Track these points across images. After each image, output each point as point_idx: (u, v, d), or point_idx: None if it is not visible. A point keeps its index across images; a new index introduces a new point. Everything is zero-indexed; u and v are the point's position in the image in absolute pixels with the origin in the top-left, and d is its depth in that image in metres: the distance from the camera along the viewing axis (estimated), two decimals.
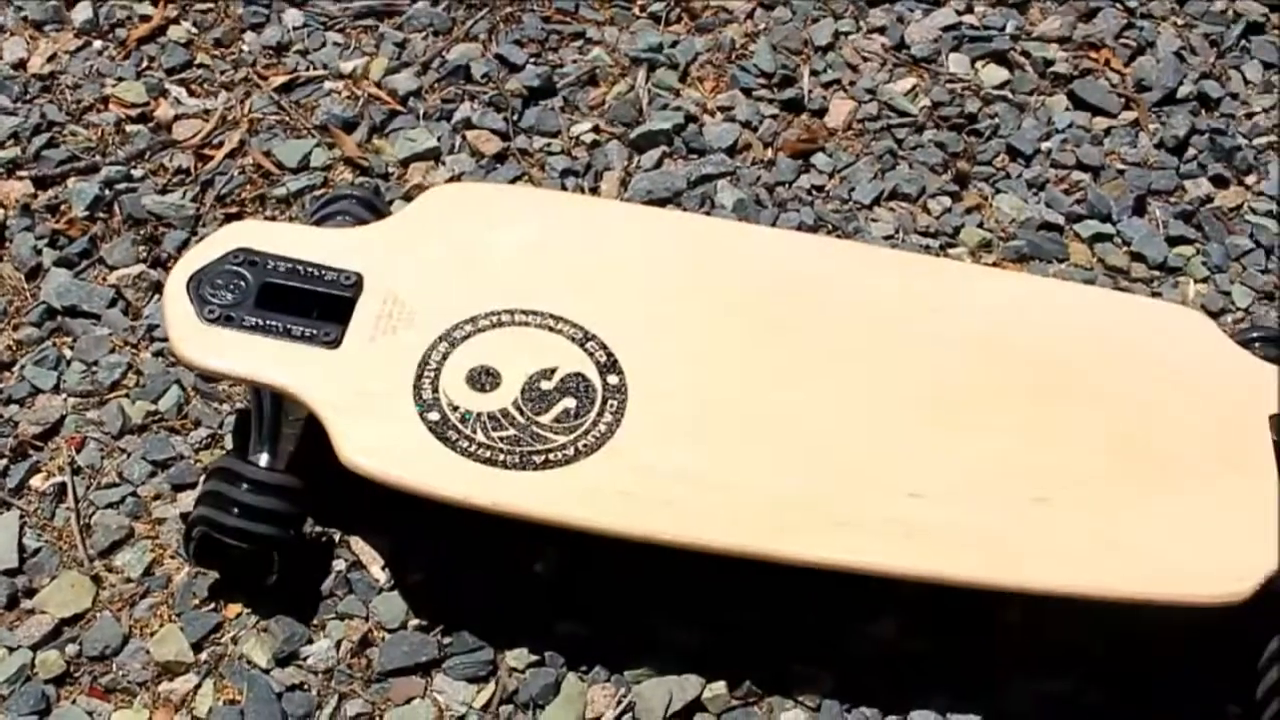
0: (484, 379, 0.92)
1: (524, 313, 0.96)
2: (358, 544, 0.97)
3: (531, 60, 1.29)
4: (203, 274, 0.96)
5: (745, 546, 0.86)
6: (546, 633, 0.93)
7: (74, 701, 0.89)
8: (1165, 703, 0.92)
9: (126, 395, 1.04)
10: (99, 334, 1.07)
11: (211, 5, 1.31)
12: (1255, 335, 1.04)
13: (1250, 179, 1.25)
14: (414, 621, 0.94)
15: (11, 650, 0.91)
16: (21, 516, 0.97)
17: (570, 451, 0.89)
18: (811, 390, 0.94)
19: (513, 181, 1.19)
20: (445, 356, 0.93)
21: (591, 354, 0.94)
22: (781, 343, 0.96)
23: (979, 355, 0.97)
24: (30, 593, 0.94)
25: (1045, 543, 0.88)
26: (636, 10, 1.34)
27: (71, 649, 0.92)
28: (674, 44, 1.31)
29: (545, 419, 0.90)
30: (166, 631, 0.92)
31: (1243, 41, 1.36)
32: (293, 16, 1.31)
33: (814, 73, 1.30)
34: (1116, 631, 0.95)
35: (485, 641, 0.93)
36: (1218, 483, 0.91)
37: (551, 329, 0.95)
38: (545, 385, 0.92)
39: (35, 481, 0.99)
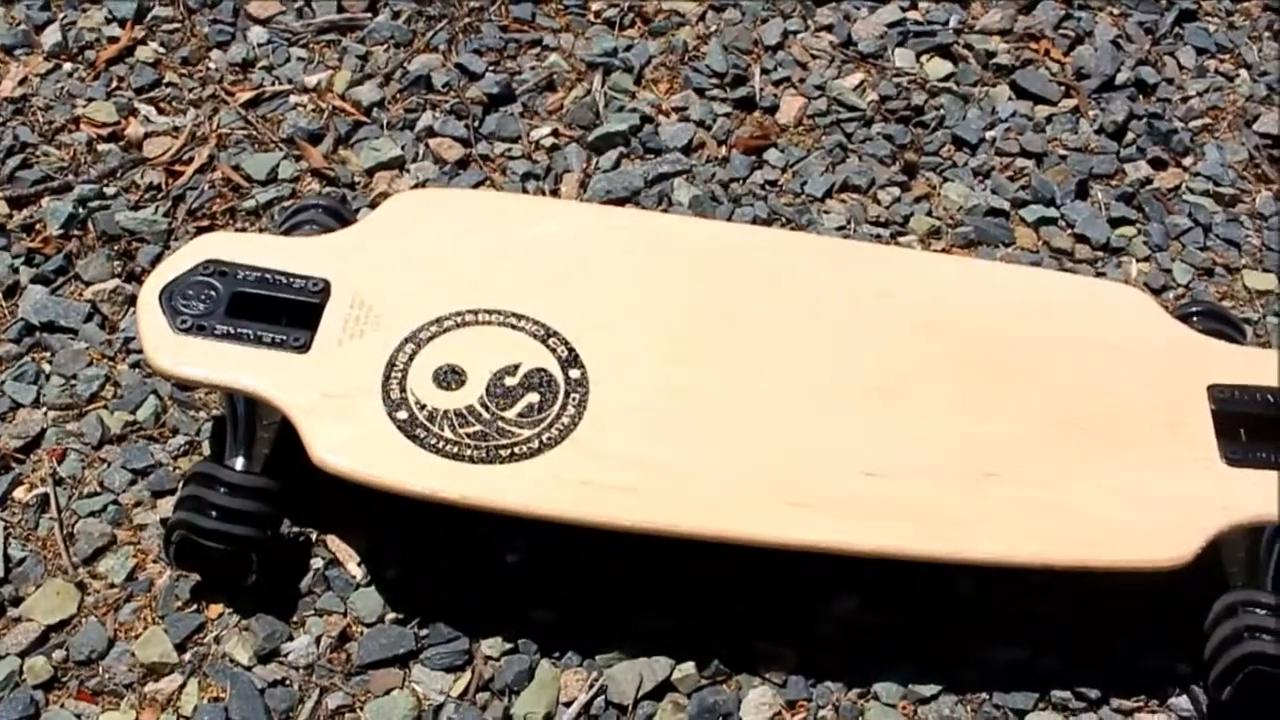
0: (450, 377, 0.93)
1: (487, 312, 0.96)
2: (334, 542, 0.97)
3: (490, 68, 1.29)
4: (174, 286, 0.96)
5: (705, 530, 0.87)
6: (519, 621, 0.94)
7: (62, 705, 0.90)
8: (1118, 665, 0.94)
9: (105, 407, 1.04)
10: (77, 348, 1.07)
11: (178, 25, 1.31)
12: (1194, 309, 1.06)
13: (1187, 160, 1.27)
14: (391, 615, 0.94)
15: (1, 658, 0.91)
16: (6, 527, 0.97)
17: (535, 444, 0.90)
18: (766, 377, 0.94)
19: (475, 186, 1.20)
20: (412, 357, 0.93)
21: (553, 350, 0.94)
22: (737, 333, 0.97)
23: (929, 337, 0.98)
24: (16, 601, 0.94)
25: (996, 515, 0.89)
26: (591, 16, 1.35)
27: (59, 654, 0.92)
28: (628, 48, 1.32)
29: (510, 414, 0.91)
30: (150, 634, 0.93)
31: (1176, 28, 1.38)
32: (257, 34, 1.31)
33: (764, 71, 1.31)
34: (1069, 598, 0.96)
35: (460, 632, 0.93)
36: (1160, 451, 0.92)
37: (514, 327, 0.95)
38: (509, 381, 0.93)
39: (18, 493, 0.99)
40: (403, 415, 0.90)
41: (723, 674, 0.92)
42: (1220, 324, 1.04)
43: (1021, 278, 1.07)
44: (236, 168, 1.20)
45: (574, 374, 0.93)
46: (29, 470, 1.01)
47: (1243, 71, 1.34)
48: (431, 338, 0.94)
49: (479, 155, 1.22)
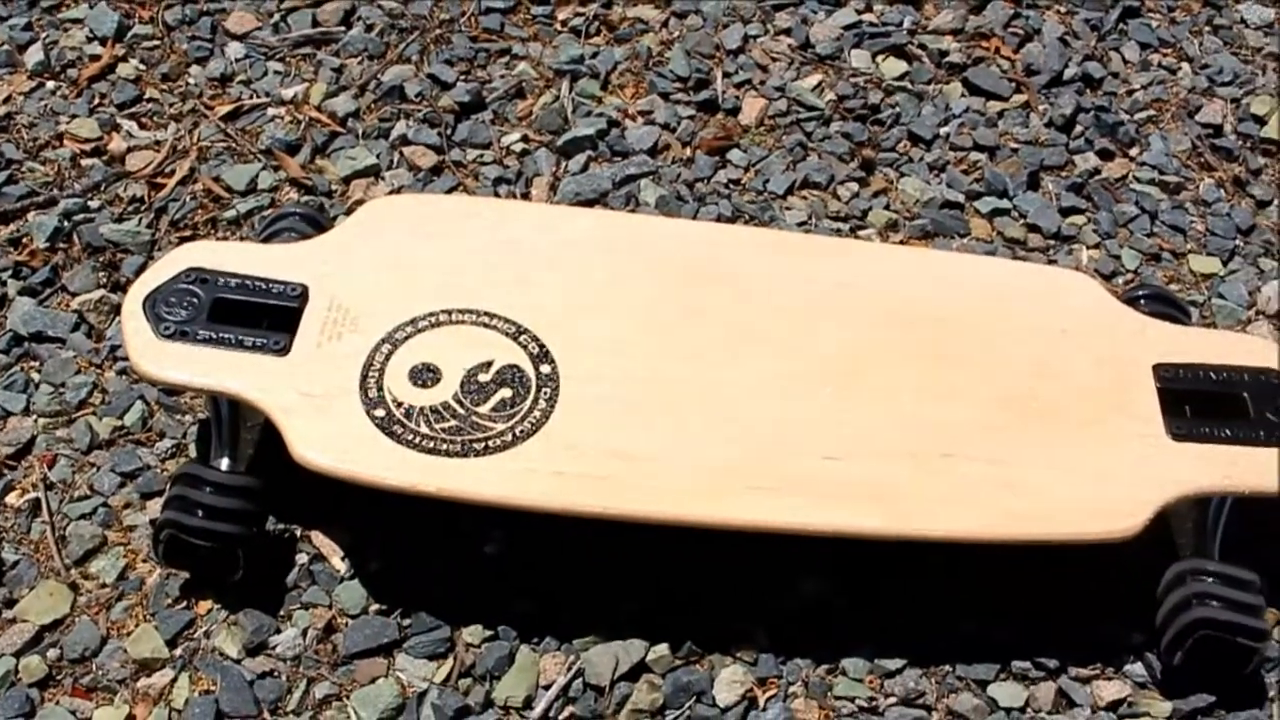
0: (425, 375, 0.93)
1: (459, 312, 0.97)
2: (318, 538, 0.98)
3: (462, 78, 1.30)
4: (157, 294, 0.96)
5: (672, 514, 0.88)
6: (499, 609, 0.94)
7: (58, 702, 0.90)
8: (1075, 635, 0.95)
9: (94, 413, 1.04)
10: (65, 357, 1.07)
11: (158, 42, 1.31)
12: (1141, 293, 1.07)
13: (1133, 151, 1.28)
14: (374, 607, 0.94)
15: None
16: None
17: (509, 437, 0.90)
18: (729, 368, 0.95)
19: (449, 192, 1.20)
20: (388, 357, 0.94)
21: (524, 346, 0.95)
22: (701, 326, 0.98)
23: (885, 325, 0.99)
24: (11, 603, 0.94)
25: (952, 494, 0.90)
26: (558, 25, 1.36)
27: (53, 653, 0.92)
28: (594, 55, 1.32)
29: (484, 409, 0.91)
30: (142, 631, 0.93)
31: (1120, 25, 1.39)
32: (235, 49, 1.31)
33: (726, 74, 1.32)
34: (1027, 572, 0.97)
35: (442, 621, 0.94)
36: (1109, 428, 0.94)
37: (486, 325, 0.96)
38: (483, 378, 0.93)
39: (11, 499, 1.00)
40: (380, 413, 0.91)
41: (695, 654, 0.93)
42: (1166, 306, 1.06)
43: (974, 266, 1.08)
44: (217, 179, 1.20)
45: (545, 369, 0.94)
46: (20, 476, 1.01)
47: (1184, 65, 1.36)
48: (407, 338, 0.95)
49: (452, 162, 1.23)
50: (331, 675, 0.91)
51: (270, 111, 1.26)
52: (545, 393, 0.92)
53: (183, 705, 0.90)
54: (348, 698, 0.90)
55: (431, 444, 0.89)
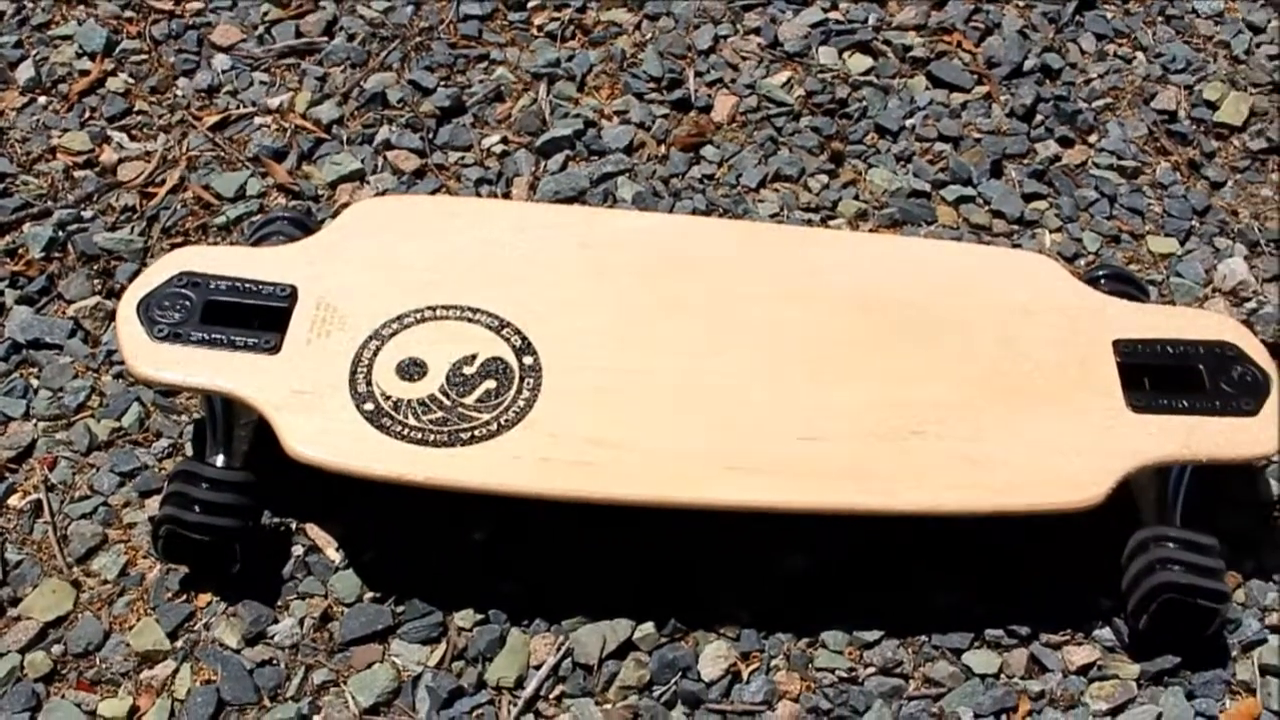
0: (412, 370, 0.94)
1: (444, 308, 0.97)
2: (313, 530, 0.98)
3: (442, 83, 1.30)
4: (150, 298, 0.96)
5: (653, 497, 0.88)
6: (489, 593, 0.95)
7: (63, 696, 0.90)
8: (1046, 602, 0.96)
9: (92, 416, 1.05)
10: (62, 363, 1.08)
11: (145, 56, 1.31)
12: (1101, 273, 1.08)
13: (1092, 138, 1.29)
14: (369, 595, 0.95)
15: (2, 655, 0.91)
16: (2, 533, 0.98)
17: (494, 427, 0.91)
18: (705, 356, 0.96)
19: (432, 194, 1.21)
20: (376, 353, 0.94)
21: (507, 339, 0.96)
22: (678, 315, 0.98)
23: (856, 310, 1.00)
24: (15, 602, 0.94)
25: (922, 470, 0.91)
26: (534, 30, 1.36)
27: (57, 649, 0.92)
28: (570, 58, 1.33)
29: (469, 400, 0.92)
30: (144, 624, 0.93)
31: (1077, 17, 1.40)
32: (221, 61, 1.31)
33: (699, 74, 1.33)
34: (999, 545, 0.98)
35: (435, 606, 0.94)
36: (1072, 403, 0.95)
37: (470, 320, 0.97)
38: (467, 370, 0.94)
39: (13, 501, 1.00)
40: (369, 407, 0.91)
41: (680, 631, 0.94)
42: (1126, 285, 1.07)
43: (940, 251, 1.09)
44: (207, 187, 1.21)
45: (527, 360, 0.94)
46: (22, 479, 1.01)
47: (1139, 54, 1.37)
48: (393, 334, 0.95)
49: (434, 165, 1.23)
50: (329, 662, 0.92)
51: (257, 120, 1.26)
52: (528, 383, 0.93)
53: (185, 695, 0.90)
54: (345, 683, 0.91)
55: (420, 435, 0.90)
